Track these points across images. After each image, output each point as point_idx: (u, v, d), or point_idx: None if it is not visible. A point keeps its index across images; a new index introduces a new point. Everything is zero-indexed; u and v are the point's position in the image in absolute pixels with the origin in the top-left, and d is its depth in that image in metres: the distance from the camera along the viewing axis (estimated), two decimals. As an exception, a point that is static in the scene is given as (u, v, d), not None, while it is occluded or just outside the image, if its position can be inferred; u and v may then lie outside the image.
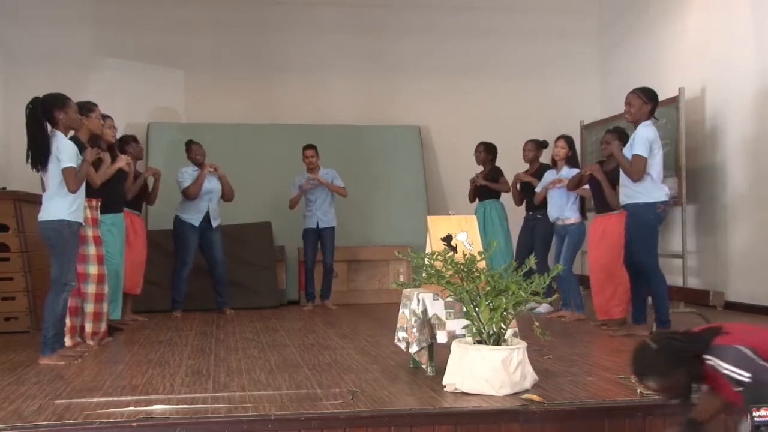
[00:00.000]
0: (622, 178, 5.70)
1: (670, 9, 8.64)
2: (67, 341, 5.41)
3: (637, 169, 5.54)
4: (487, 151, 8.10)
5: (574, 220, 6.97)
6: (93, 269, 5.64)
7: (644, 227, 5.61)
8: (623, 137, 6.16)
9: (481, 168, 8.12)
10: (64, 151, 4.89)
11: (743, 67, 7.38)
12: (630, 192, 5.63)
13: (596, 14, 10.21)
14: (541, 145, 7.83)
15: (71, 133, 5.25)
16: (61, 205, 4.91)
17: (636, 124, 5.70)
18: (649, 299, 5.94)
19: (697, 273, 7.97)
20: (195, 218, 7.74)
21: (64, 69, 8.74)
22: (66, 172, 4.88)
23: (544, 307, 7.07)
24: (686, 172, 7.60)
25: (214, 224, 7.82)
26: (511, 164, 8.18)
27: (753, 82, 7.25)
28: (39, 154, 4.90)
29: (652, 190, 5.60)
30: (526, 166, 7.77)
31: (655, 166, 5.62)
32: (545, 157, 7.86)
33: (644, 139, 5.54)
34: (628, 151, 5.63)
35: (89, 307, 5.63)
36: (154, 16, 9.32)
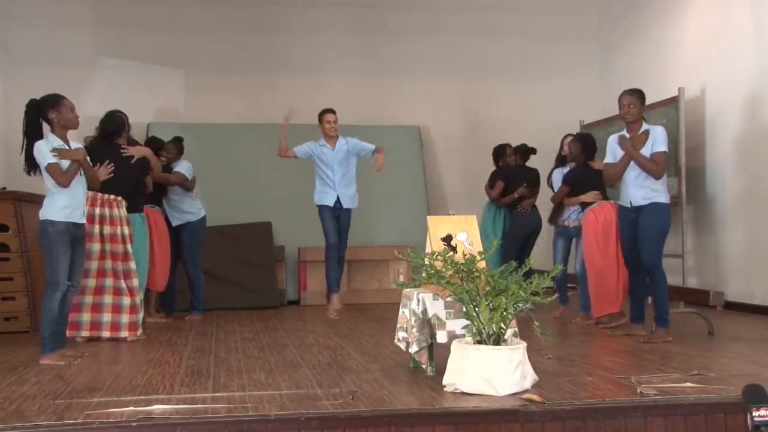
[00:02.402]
0: (639, 178, 5.65)
1: (670, 9, 8.64)
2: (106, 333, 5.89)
3: (663, 167, 5.61)
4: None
5: (580, 222, 6.96)
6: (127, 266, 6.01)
7: (663, 227, 5.65)
8: (585, 141, 6.71)
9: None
10: (38, 151, 4.94)
11: (743, 67, 7.39)
12: (649, 192, 5.61)
13: (596, 14, 10.21)
14: (530, 150, 7.85)
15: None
16: (50, 205, 4.96)
17: (633, 124, 5.71)
18: (649, 299, 5.94)
19: (697, 273, 7.97)
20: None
21: (64, 69, 8.74)
22: (48, 169, 4.92)
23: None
24: (686, 172, 7.61)
25: (174, 223, 7.48)
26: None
27: (753, 82, 7.25)
28: (28, 159, 5.00)
29: (666, 190, 5.70)
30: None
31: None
32: (542, 159, 7.89)
33: (665, 138, 5.62)
34: (647, 150, 5.61)
35: (128, 301, 6.00)
36: (154, 16, 9.32)
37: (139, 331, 6.05)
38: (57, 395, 3.96)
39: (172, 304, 7.58)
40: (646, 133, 5.67)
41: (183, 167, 7.49)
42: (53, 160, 4.90)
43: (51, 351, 4.97)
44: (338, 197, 7.29)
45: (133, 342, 5.91)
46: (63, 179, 4.93)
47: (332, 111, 7.35)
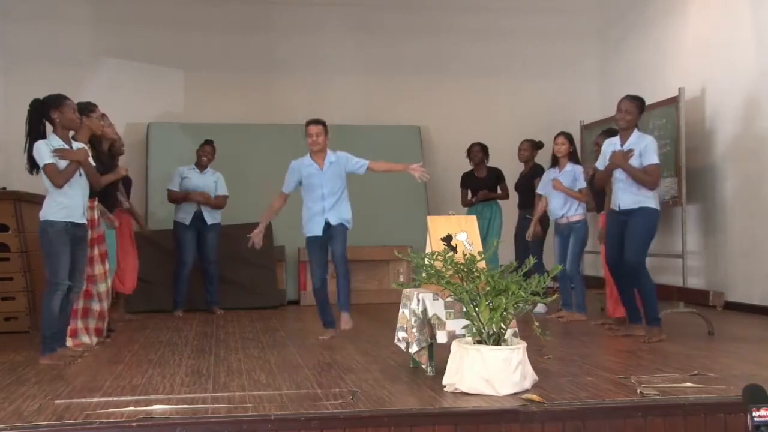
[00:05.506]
0: (628, 183, 5.67)
1: (670, 9, 8.64)
2: (69, 342, 5.43)
3: (657, 178, 5.68)
4: (483, 152, 8.18)
5: (579, 218, 6.95)
6: (99, 269, 5.73)
7: (650, 230, 5.70)
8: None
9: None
10: (36, 151, 4.92)
11: (743, 67, 7.38)
12: (638, 198, 5.65)
13: (596, 14, 10.20)
14: (537, 145, 7.85)
15: (72, 132, 5.27)
16: (49, 205, 4.96)
17: (625, 131, 5.74)
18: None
19: (697, 273, 7.97)
20: (186, 217, 7.80)
21: (64, 69, 8.73)
22: (45, 169, 4.91)
23: (539, 307, 7.04)
24: (686, 172, 7.60)
25: (209, 221, 7.82)
26: (511, 164, 8.21)
27: (753, 82, 7.25)
28: (30, 158, 4.97)
29: (656, 197, 5.73)
30: (522, 166, 7.93)
31: None
32: (543, 157, 7.88)
33: (656, 148, 5.69)
34: (636, 161, 5.64)
35: (97, 306, 5.73)
36: (154, 16, 9.31)
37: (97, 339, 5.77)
38: (57, 395, 3.96)
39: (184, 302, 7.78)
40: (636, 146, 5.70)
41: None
42: (50, 160, 4.90)
43: (51, 351, 4.97)
44: (327, 220, 5.89)
45: (132, 342, 5.90)
46: (59, 180, 4.93)
47: (317, 122, 5.94)
